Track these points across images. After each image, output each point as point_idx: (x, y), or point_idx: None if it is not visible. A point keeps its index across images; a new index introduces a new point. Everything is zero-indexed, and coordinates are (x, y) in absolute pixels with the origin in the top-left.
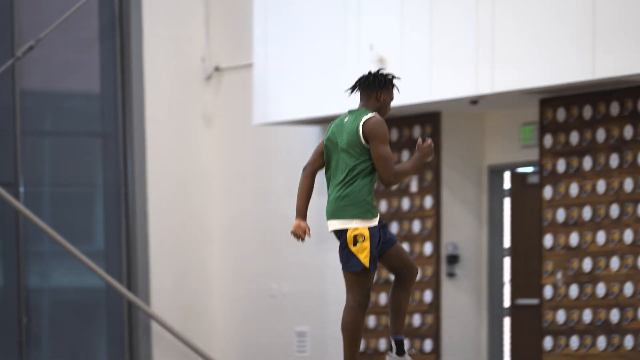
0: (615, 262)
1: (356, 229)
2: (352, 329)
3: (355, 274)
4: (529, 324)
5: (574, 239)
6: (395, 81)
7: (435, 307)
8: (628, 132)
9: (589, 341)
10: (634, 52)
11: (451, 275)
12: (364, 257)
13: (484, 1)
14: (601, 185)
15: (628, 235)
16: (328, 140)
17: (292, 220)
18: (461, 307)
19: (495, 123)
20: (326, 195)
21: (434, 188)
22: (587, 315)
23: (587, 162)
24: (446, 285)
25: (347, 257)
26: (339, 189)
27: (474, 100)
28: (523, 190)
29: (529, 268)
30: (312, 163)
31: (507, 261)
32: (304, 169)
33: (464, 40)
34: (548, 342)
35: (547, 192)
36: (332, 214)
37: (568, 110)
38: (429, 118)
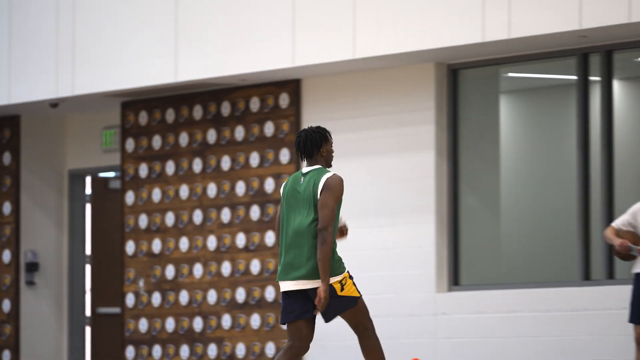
0: (198, 270)
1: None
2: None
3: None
4: (111, 333)
5: (156, 245)
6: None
7: (14, 316)
8: (211, 136)
9: (172, 350)
10: (215, 56)
11: (30, 283)
12: (353, 291)
13: (64, 3)
14: (184, 191)
15: (212, 242)
16: (285, 198)
17: None
18: (41, 316)
19: (76, 127)
20: None
21: (13, 194)
22: (170, 324)
23: (170, 167)
24: (25, 293)
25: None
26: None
27: (54, 104)
28: (104, 195)
29: (110, 276)
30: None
31: (88, 268)
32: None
33: (44, 43)
34: (130, 352)
35: (129, 197)
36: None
37: (150, 114)
38: (7, 122)
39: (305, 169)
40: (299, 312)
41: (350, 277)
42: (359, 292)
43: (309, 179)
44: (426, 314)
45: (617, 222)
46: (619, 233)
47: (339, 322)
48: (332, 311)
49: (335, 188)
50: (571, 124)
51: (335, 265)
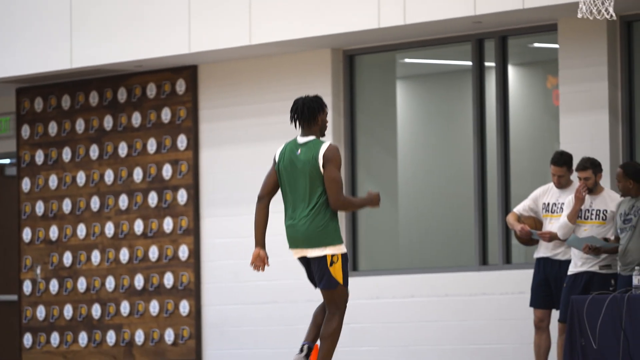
0: (96, 256)
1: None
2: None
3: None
4: (8, 321)
5: (53, 232)
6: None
7: None
8: (108, 122)
9: (70, 337)
10: (111, 42)
11: None
12: (338, 275)
13: None
14: (81, 177)
15: (109, 228)
16: (282, 166)
17: None
18: None
19: None
20: None
21: None
22: (68, 311)
23: (67, 153)
24: None
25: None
26: (306, 217)
27: None
28: (1, 182)
29: (7, 263)
30: (269, 193)
31: None
32: (260, 199)
33: None
34: (28, 339)
35: (26, 184)
36: (306, 243)
37: (46, 100)
38: None
39: (300, 139)
40: None
41: (344, 259)
42: (343, 279)
43: (307, 150)
44: None
45: (519, 208)
46: (520, 218)
47: (239, 308)
48: (321, 281)
49: (336, 158)
50: (467, 109)
51: (335, 234)
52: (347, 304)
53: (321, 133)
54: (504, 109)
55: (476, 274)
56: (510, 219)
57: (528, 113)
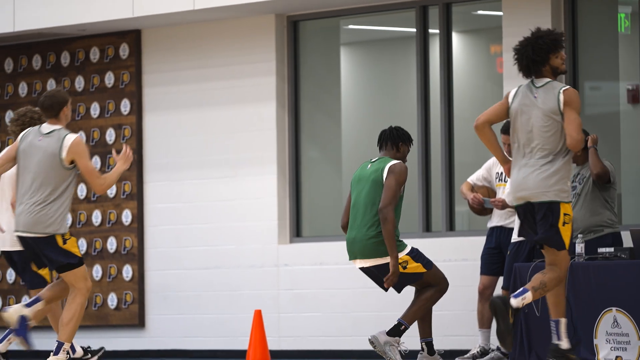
0: None
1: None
2: None
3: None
4: None
5: None
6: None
7: None
8: (51, 86)
9: (13, 301)
10: (54, 5)
11: None
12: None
13: None
14: None
15: None
16: (353, 181)
17: None
18: None
19: None
20: None
21: None
22: (11, 275)
23: (10, 117)
24: None
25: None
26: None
27: None
28: None
29: None
30: None
31: None
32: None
33: None
34: None
35: None
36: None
37: None
38: None
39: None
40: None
41: (413, 253)
42: (423, 266)
43: (377, 164)
44: (268, 265)
45: (472, 177)
46: (474, 188)
47: (182, 273)
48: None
49: (399, 173)
50: (411, 76)
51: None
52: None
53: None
54: (447, 76)
55: (419, 241)
56: (464, 188)
57: (472, 80)
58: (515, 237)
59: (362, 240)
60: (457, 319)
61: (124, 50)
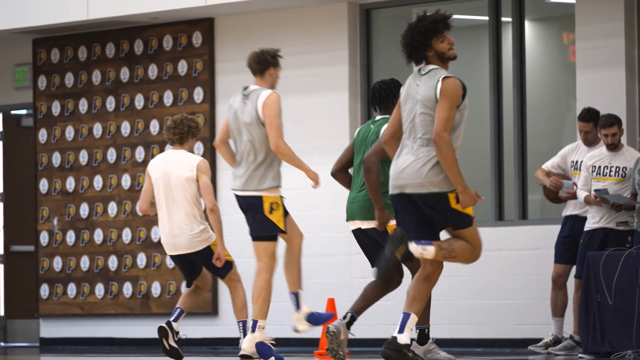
0: (113, 208)
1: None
2: None
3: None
4: (25, 272)
5: (70, 183)
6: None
7: None
8: (124, 74)
9: (87, 289)
10: None
11: None
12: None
13: None
14: (98, 129)
15: (126, 180)
16: (358, 140)
17: None
18: None
19: None
20: None
21: None
22: (85, 263)
23: (83, 105)
24: None
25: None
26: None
27: None
28: (17, 133)
29: (24, 214)
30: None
31: (0, 207)
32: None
33: None
34: (44, 290)
35: (42, 135)
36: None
37: (62, 51)
38: None
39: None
40: None
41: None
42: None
43: (378, 126)
44: (341, 254)
45: (547, 165)
46: (549, 175)
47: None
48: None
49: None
50: (484, 65)
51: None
52: None
53: None
54: (520, 65)
55: (492, 230)
56: (539, 174)
57: (545, 69)
58: (588, 226)
59: (363, 200)
60: (530, 307)
61: (197, 39)
